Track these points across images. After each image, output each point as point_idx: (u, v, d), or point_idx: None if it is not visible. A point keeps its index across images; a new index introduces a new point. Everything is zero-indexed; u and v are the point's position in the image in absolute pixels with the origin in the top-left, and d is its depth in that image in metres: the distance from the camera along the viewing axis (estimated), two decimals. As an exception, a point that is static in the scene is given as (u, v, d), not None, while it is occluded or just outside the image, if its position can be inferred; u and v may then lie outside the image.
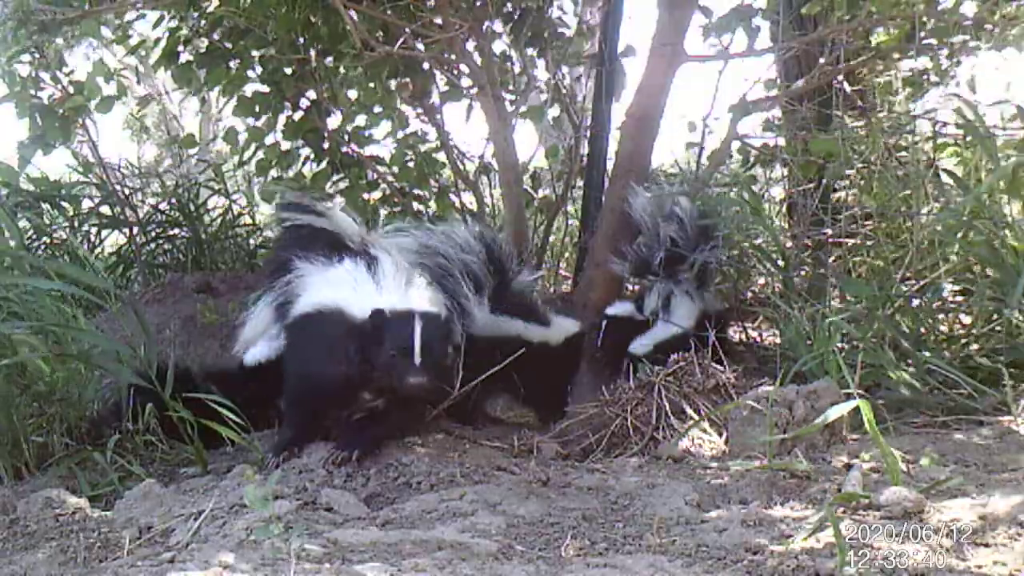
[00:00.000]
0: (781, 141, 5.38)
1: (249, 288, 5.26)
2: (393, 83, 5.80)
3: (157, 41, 5.74)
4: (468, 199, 6.10)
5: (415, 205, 6.09)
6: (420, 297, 3.38)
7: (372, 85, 5.71)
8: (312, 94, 5.70)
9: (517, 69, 5.79)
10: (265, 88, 5.66)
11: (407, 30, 4.69)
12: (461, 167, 5.96)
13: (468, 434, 3.72)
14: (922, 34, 4.68)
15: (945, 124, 4.86)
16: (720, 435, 3.47)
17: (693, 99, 5.83)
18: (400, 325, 3.17)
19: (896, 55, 5.05)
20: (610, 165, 5.34)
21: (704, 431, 3.47)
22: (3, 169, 5.63)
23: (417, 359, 3.11)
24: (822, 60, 4.87)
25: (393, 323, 3.19)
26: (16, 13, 4.55)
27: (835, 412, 3.06)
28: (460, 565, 2.35)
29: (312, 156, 5.93)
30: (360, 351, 3.21)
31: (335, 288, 3.40)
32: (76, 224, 6.37)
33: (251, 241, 6.88)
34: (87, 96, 5.28)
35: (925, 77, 5.20)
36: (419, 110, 5.93)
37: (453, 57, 5.28)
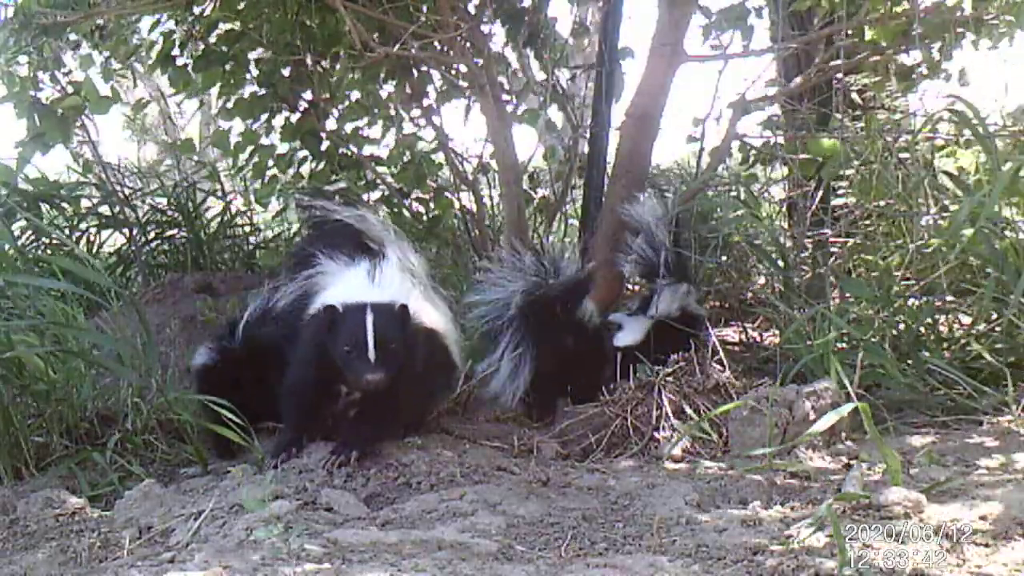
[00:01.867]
0: (781, 140, 5.38)
1: (249, 288, 5.28)
2: (389, 86, 5.81)
3: (152, 44, 5.74)
4: (467, 199, 6.09)
5: (414, 205, 6.10)
6: (406, 293, 3.36)
7: (368, 87, 5.72)
8: (309, 95, 5.71)
9: (515, 68, 5.80)
10: (261, 90, 5.66)
11: (405, 31, 4.68)
12: (460, 167, 5.96)
13: (468, 434, 3.72)
14: (919, 30, 4.68)
15: (943, 120, 4.86)
16: (720, 435, 3.47)
17: (693, 99, 5.84)
18: (353, 319, 3.11)
19: (891, 52, 5.05)
20: (610, 165, 5.34)
21: (704, 431, 3.46)
22: (1, 169, 5.63)
23: (371, 355, 3.07)
24: (817, 59, 4.87)
25: (347, 317, 3.14)
26: (18, 16, 4.56)
27: (833, 415, 3.06)
28: (460, 565, 2.35)
29: (310, 157, 5.93)
30: (319, 346, 3.21)
31: (336, 289, 3.40)
32: (75, 224, 6.37)
33: (250, 241, 6.89)
34: (84, 97, 5.27)
35: (918, 71, 5.20)
36: (417, 111, 5.93)
37: (452, 57, 5.28)
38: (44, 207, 6.09)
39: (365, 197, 5.90)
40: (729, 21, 5.07)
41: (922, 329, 4.15)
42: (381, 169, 5.98)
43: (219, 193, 6.97)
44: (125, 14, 5.34)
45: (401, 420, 3.50)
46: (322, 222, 3.83)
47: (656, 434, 3.56)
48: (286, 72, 5.61)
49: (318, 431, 3.41)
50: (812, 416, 3.28)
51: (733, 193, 5.41)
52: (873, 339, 3.88)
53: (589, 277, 4.16)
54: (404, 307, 3.24)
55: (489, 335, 4.05)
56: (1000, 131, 4.71)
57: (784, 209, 5.71)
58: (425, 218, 6.05)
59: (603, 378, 3.95)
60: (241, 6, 5.38)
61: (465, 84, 5.59)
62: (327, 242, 3.64)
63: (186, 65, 5.63)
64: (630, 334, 4.35)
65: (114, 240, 6.76)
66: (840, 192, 4.87)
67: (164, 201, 6.80)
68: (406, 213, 5.97)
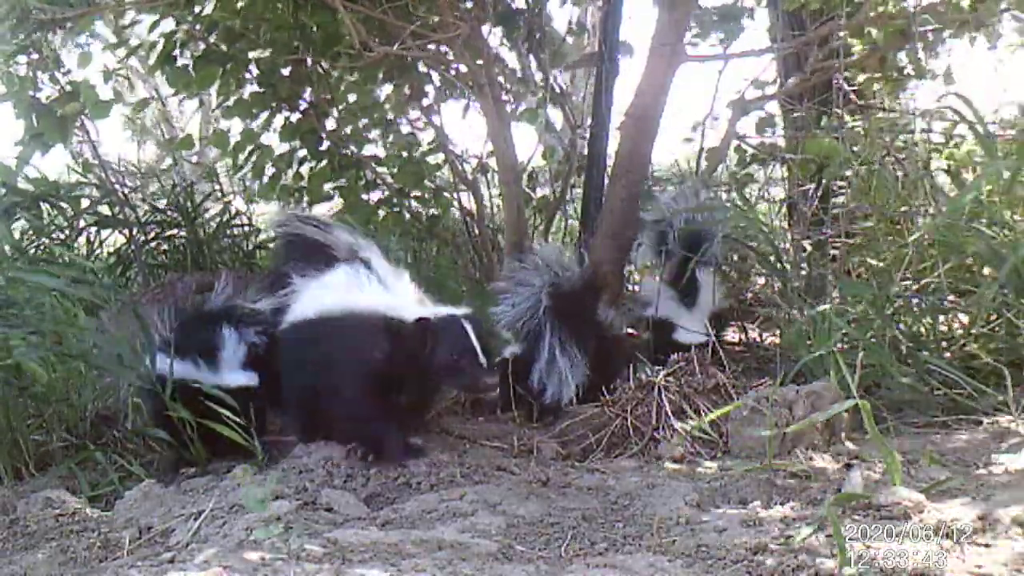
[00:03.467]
0: (781, 141, 5.38)
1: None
2: (387, 88, 5.81)
3: (153, 45, 5.73)
4: (467, 199, 6.10)
5: (414, 205, 6.10)
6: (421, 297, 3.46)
7: (365, 88, 5.72)
8: (309, 95, 5.71)
9: (513, 68, 5.80)
10: (261, 90, 5.66)
11: (404, 31, 4.69)
12: (459, 168, 5.96)
13: (468, 434, 3.72)
14: (917, 29, 4.68)
15: (940, 119, 4.88)
16: (720, 435, 3.47)
17: (693, 99, 5.85)
18: (452, 330, 3.24)
19: (885, 50, 5.06)
20: (610, 165, 5.34)
21: (704, 431, 3.46)
22: (1, 169, 5.62)
23: (483, 360, 3.21)
24: (810, 59, 4.87)
25: (444, 329, 3.24)
26: (13, 12, 4.54)
27: (832, 411, 3.06)
28: (460, 565, 2.34)
29: (310, 157, 5.94)
30: (405, 355, 3.24)
31: (355, 292, 3.41)
32: (75, 224, 6.37)
33: (250, 241, 6.89)
34: (83, 101, 5.24)
35: (905, 71, 5.21)
36: (416, 112, 5.94)
37: (451, 58, 5.28)
38: (44, 207, 6.08)
39: (365, 197, 5.91)
40: (723, 20, 5.08)
41: (922, 329, 4.15)
42: (381, 169, 5.98)
43: (218, 193, 6.97)
44: (123, 11, 5.34)
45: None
46: (292, 240, 3.86)
47: (656, 434, 3.56)
48: (286, 72, 5.61)
49: (318, 432, 3.41)
50: (812, 416, 3.27)
51: (731, 194, 5.42)
52: (873, 339, 3.88)
53: (596, 276, 4.21)
54: (476, 318, 3.36)
55: (525, 337, 4.05)
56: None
57: (784, 209, 5.71)
58: (425, 218, 6.05)
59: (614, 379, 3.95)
60: (240, 5, 5.38)
61: (464, 84, 5.59)
62: (298, 259, 3.69)
63: (186, 65, 5.62)
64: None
65: (114, 240, 6.76)
66: (839, 192, 4.87)
67: (164, 201, 6.80)
68: (406, 213, 5.97)
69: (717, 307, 4.53)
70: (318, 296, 3.49)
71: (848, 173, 4.67)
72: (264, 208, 6.85)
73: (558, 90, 5.88)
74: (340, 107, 5.88)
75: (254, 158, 5.92)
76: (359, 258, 3.57)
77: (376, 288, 3.42)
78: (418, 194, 6.10)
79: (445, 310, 3.33)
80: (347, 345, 3.35)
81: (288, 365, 3.56)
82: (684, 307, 4.51)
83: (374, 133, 6.07)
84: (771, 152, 5.39)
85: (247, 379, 3.62)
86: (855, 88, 5.20)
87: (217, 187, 6.99)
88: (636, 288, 5.31)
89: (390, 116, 6.01)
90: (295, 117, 5.81)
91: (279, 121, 5.88)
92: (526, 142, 6.17)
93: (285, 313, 3.60)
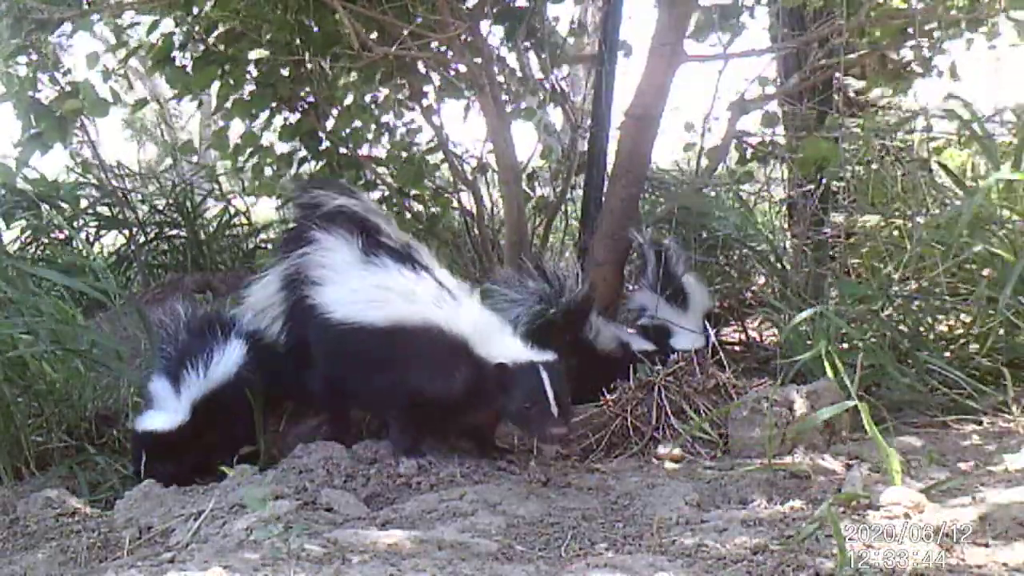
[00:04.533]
0: (779, 139, 5.38)
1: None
2: (385, 89, 5.81)
3: (152, 45, 5.73)
4: (467, 200, 6.10)
5: (414, 205, 6.10)
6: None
7: (363, 89, 5.73)
8: (309, 95, 5.71)
9: (513, 68, 5.80)
10: (260, 90, 5.66)
11: (404, 31, 4.69)
12: (459, 167, 5.96)
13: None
14: (917, 25, 4.69)
15: (939, 118, 4.88)
16: (720, 435, 3.47)
17: (693, 99, 5.84)
18: (529, 378, 3.14)
19: (886, 49, 5.06)
20: (610, 165, 5.34)
21: (704, 431, 3.46)
22: (0, 169, 5.63)
23: (555, 410, 3.12)
24: (810, 58, 4.87)
25: (521, 376, 3.15)
26: (12, 11, 4.55)
27: (831, 411, 3.06)
28: (460, 565, 2.34)
29: (309, 157, 5.94)
30: (476, 389, 3.21)
31: (433, 308, 3.33)
32: (75, 224, 6.37)
33: (250, 241, 6.89)
34: (83, 101, 5.23)
35: (909, 69, 5.20)
36: (414, 112, 5.94)
37: (451, 57, 5.28)
38: (44, 207, 6.09)
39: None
40: (724, 20, 5.08)
41: (922, 329, 4.15)
42: (381, 169, 5.98)
43: (217, 193, 6.98)
44: (122, 11, 5.34)
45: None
46: (315, 206, 3.71)
47: (656, 434, 3.56)
48: (285, 72, 5.61)
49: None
50: (812, 416, 3.28)
51: (730, 193, 5.43)
52: (873, 339, 3.88)
53: (589, 296, 4.16)
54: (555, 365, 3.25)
55: None
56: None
57: (784, 209, 5.71)
58: (425, 218, 6.05)
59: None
60: (239, 5, 5.38)
61: (464, 84, 5.59)
62: (322, 222, 3.59)
63: (185, 66, 5.62)
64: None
65: (114, 240, 6.77)
66: (838, 192, 4.87)
67: (163, 201, 6.81)
68: (406, 213, 5.97)
69: (709, 305, 4.53)
70: (387, 299, 3.37)
71: (847, 174, 4.68)
72: (264, 208, 6.86)
73: (558, 90, 5.88)
74: (339, 107, 5.88)
75: (254, 159, 5.92)
76: (420, 264, 3.46)
77: (456, 309, 3.32)
78: (418, 194, 6.09)
79: (526, 354, 3.20)
80: (422, 364, 3.32)
81: (346, 363, 3.49)
82: (678, 309, 4.50)
83: (373, 132, 6.06)
84: (771, 150, 5.39)
85: None
86: (858, 91, 5.21)
87: (217, 187, 6.99)
88: (633, 288, 5.30)
89: (388, 116, 6.01)
90: (295, 117, 5.80)
91: (279, 121, 5.88)
92: (526, 142, 6.16)
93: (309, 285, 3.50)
